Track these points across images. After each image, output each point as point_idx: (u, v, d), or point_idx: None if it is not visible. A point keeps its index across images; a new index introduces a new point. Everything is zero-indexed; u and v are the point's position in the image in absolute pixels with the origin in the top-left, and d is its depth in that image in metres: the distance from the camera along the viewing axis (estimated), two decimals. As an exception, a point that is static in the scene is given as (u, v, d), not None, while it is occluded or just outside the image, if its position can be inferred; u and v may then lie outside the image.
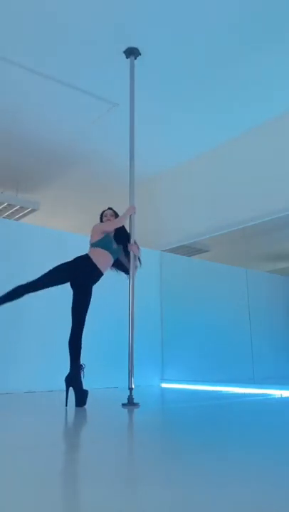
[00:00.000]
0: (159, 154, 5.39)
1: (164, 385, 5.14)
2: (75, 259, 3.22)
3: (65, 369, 3.01)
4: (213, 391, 4.43)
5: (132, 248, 3.39)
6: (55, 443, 1.85)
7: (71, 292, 3.16)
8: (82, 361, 3.03)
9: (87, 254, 3.24)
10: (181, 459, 1.53)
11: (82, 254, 3.26)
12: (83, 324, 3.08)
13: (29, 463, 1.47)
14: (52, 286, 3.15)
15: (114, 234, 3.40)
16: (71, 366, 3.00)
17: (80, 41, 3.49)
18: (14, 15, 3.22)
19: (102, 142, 5.09)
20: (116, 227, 3.38)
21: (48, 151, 5.29)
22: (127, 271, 3.45)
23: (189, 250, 5.77)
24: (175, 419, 2.66)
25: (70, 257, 3.23)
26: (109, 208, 3.55)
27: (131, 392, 3.08)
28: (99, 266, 3.19)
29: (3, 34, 3.41)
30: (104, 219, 3.49)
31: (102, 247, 3.25)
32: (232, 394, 4.16)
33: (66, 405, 2.93)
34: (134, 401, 3.02)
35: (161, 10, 3.17)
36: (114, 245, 3.36)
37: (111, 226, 3.37)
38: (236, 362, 5.17)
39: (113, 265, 3.40)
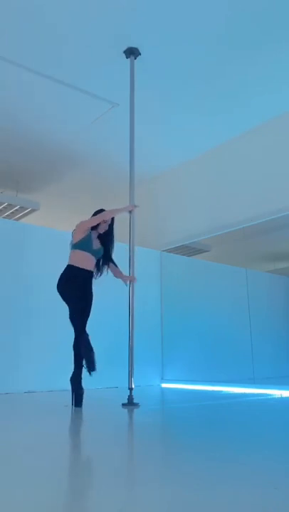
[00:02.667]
0: (159, 154, 5.39)
1: (164, 385, 5.14)
2: (63, 275, 3.09)
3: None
4: (213, 391, 4.43)
5: (130, 279, 3.32)
6: (55, 443, 1.85)
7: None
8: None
9: (68, 265, 3.12)
10: (181, 459, 1.53)
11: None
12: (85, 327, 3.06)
13: (29, 463, 1.47)
14: (83, 308, 3.07)
15: (100, 235, 3.24)
16: (75, 366, 3.00)
17: (80, 41, 3.49)
18: (14, 15, 3.22)
19: (102, 142, 5.09)
20: (104, 219, 3.18)
21: (48, 151, 5.29)
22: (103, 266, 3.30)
23: (189, 250, 5.77)
24: (175, 419, 2.66)
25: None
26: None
27: (131, 392, 3.08)
28: (85, 267, 3.10)
29: (3, 34, 3.41)
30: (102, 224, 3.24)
31: (81, 249, 3.12)
32: (232, 394, 4.16)
33: (72, 405, 2.94)
34: (134, 401, 3.03)
35: (160, 10, 3.17)
36: (96, 246, 3.19)
37: (98, 219, 3.17)
38: (236, 362, 5.17)
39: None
